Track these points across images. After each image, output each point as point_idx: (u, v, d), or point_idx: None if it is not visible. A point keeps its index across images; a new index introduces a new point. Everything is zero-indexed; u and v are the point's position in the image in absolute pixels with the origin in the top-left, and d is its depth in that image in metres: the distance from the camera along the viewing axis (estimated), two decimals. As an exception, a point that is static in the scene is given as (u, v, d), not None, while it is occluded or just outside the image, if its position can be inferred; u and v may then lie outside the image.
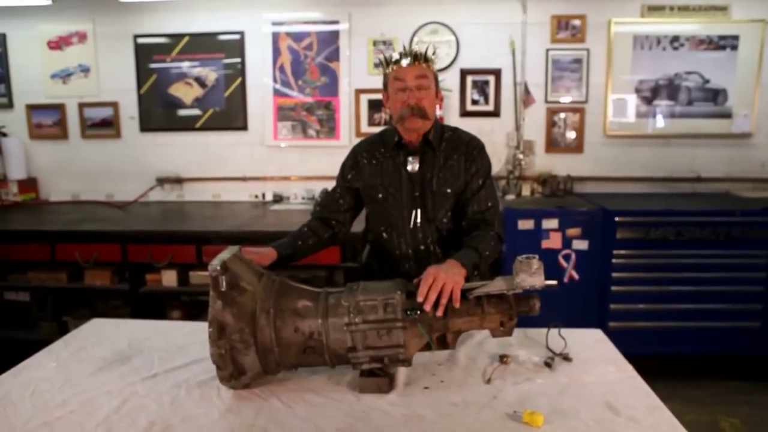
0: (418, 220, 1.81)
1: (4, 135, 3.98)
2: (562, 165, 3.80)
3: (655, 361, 2.23)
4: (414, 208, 1.81)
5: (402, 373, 1.48)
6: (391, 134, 1.84)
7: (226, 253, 1.42)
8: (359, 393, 1.39)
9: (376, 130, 2.10)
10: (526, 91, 3.75)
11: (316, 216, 1.95)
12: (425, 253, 1.83)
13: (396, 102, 1.74)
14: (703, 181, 3.77)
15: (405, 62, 1.73)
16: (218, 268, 1.35)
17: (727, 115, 3.71)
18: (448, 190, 1.79)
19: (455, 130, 1.88)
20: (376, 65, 1.76)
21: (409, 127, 1.74)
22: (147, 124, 3.97)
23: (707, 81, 3.69)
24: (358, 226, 2.03)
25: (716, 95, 3.70)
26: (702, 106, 3.72)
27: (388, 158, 1.84)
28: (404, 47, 1.83)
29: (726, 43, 3.64)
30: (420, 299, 1.37)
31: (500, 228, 1.78)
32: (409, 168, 1.81)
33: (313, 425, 1.26)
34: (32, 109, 4.02)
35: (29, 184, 4.04)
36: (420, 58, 1.74)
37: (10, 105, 4.03)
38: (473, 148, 1.82)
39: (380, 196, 1.84)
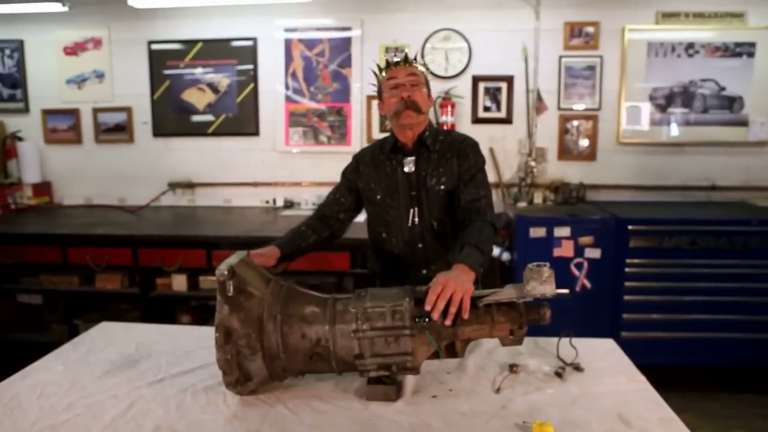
0: (415, 218, 1.87)
1: (20, 139, 4.04)
2: (574, 172, 3.77)
3: (669, 372, 2.19)
4: (411, 206, 1.87)
5: (410, 381, 1.47)
6: (390, 140, 1.93)
7: (234, 258, 1.42)
8: (366, 401, 1.38)
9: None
10: (539, 98, 3.72)
11: (317, 215, 2.02)
12: (422, 251, 1.87)
13: (390, 98, 1.82)
14: (718, 190, 3.72)
15: (396, 63, 1.85)
16: (225, 272, 1.34)
17: (744, 123, 3.66)
18: (443, 188, 1.84)
19: (450, 132, 1.99)
20: (375, 76, 1.89)
21: (404, 122, 1.81)
22: (160, 130, 4.00)
23: (723, 88, 3.64)
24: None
25: (732, 103, 3.65)
26: (717, 114, 3.67)
27: (386, 161, 1.91)
28: (394, 52, 1.92)
29: (742, 50, 3.60)
30: (428, 308, 1.35)
31: (492, 216, 1.79)
32: (406, 169, 1.87)
33: (319, 433, 1.25)
34: (48, 113, 4.07)
35: (43, 188, 4.08)
36: (410, 61, 1.85)
37: (26, 110, 4.09)
38: (466, 146, 1.88)
39: (378, 197, 1.90)
